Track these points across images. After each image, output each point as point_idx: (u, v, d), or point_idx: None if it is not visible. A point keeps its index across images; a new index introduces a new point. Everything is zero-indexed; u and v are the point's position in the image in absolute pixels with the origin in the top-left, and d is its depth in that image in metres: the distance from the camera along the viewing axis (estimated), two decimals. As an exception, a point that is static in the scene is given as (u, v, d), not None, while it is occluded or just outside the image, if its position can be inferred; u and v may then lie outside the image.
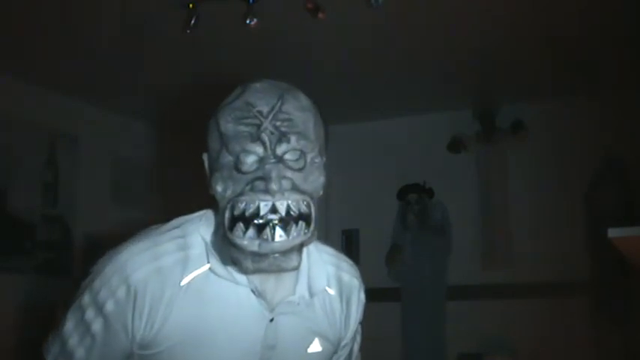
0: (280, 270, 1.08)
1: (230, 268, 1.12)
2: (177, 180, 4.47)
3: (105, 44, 3.59)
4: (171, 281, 1.11)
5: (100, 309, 1.11)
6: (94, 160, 4.41)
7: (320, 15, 3.02)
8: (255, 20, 2.99)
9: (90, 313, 1.12)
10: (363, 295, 1.31)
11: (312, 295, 1.19)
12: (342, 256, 1.32)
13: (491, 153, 4.67)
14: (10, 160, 3.92)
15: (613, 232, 1.64)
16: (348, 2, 3.12)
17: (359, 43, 3.67)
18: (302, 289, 1.19)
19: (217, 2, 3.02)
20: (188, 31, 3.08)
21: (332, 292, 1.25)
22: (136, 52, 3.70)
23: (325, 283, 1.23)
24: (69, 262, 4.16)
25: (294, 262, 1.08)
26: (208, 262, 1.13)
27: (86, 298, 1.12)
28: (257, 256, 1.05)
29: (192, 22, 3.05)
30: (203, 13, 3.06)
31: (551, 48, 3.74)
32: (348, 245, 4.92)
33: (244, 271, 1.08)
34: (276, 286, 1.16)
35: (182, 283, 1.11)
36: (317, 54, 3.76)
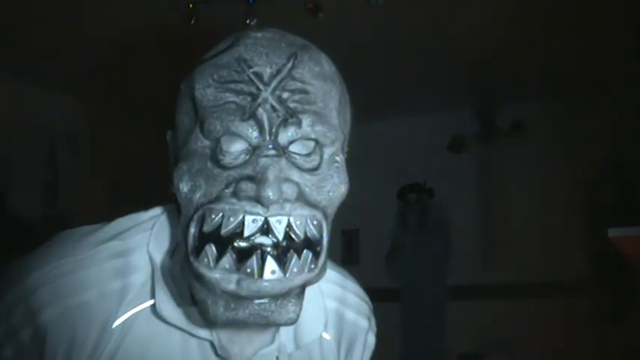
0: (268, 324, 0.71)
1: (184, 310, 0.77)
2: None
3: (105, 44, 3.59)
4: (98, 321, 0.75)
5: None
6: (94, 160, 4.41)
7: (320, 15, 3.02)
8: (255, 20, 2.99)
9: None
10: (371, 339, 0.96)
11: (298, 347, 0.83)
12: (350, 283, 0.94)
13: (491, 153, 4.67)
14: (10, 160, 3.92)
15: (613, 232, 1.64)
16: (348, 2, 3.12)
17: (359, 44, 3.67)
18: (285, 338, 0.83)
19: (217, 2, 3.02)
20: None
21: (328, 337, 0.89)
22: (137, 53, 3.70)
23: (321, 329, 0.86)
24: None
25: (290, 314, 0.70)
26: (153, 298, 0.77)
27: None
28: (234, 299, 0.69)
29: (192, 22, 3.05)
30: (203, 13, 3.06)
31: (552, 48, 3.74)
32: (348, 245, 4.92)
33: (211, 320, 0.70)
34: (251, 337, 0.81)
35: (114, 325, 0.75)
36: (317, 54, 3.76)
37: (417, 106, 4.65)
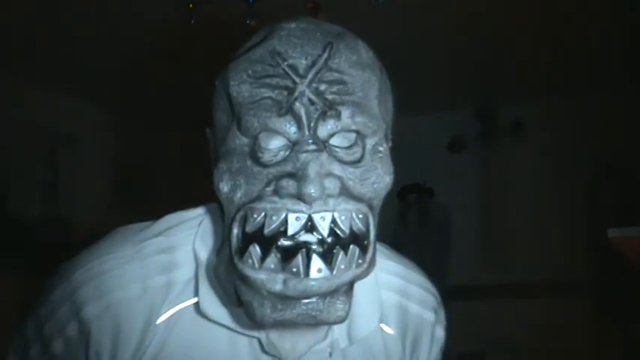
0: (317, 323, 0.69)
1: (229, 309, 0.76)
2: (179, 179, 4.46)
3: (105, 44, 3.59)
4: (142, 315, 0.75)
5: (45, 347, 0.78)
6: (94, 160, 4.41)
7: (320, 15, 3.02)
8: (255, 21, 2.98)
9: (36, 350, 0.80)
10: (439, 332, 0.92)
11: (352, 342, 0.81)
12: (413, 275, 0.93)
13: (491, 153, 4.67)
14: (10, 160, 3.92)
15: (613, 232, 1.64)
16: (349, 2, 3.12)
17: (359, 43, 3.67)
18: (338, 332, 0.80)
19: (217, 2, 3.02)
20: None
21: (391, 330, 0.86)
22: (137, 53, 3.70)
23: (376, 322, 0.83)
24: (69, 262, 4.15)
25: (339, 312, 0.68)
26: (197, 295, 0.76)
27: (30, 329, 0.81)
28: (281, 299, 0.67)
29: (192, 22, 3.05)
30: (203, 13, 3.05)
31: (551, 48, 3.74)
32: (348, 245, 4.93)
33: (258, 322, 0.68)
34: (304, 333, 0.77)
35: (158, 321, 0.75)
36: (317, 54, 3.75)
37: (417, 106, 4.65)
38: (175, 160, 4.62)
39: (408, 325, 0.88)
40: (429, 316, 0.91)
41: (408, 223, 4.58)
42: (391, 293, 0.87)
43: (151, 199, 4.57)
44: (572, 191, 4.37)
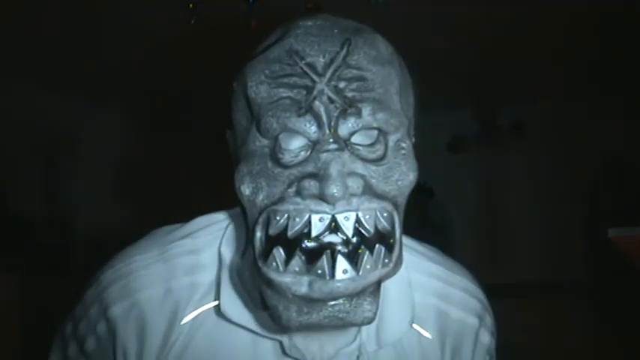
0: (344, 325, 0.67)
1: (251, 311, 0.75)
2: (178, 179, 4.46)
3: (105, 44, 3.59)
4: (167, 315, 0.75)
5: (81, 345, 0.80)
6: (94, 160, 4.41)
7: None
8: (255, 21, 2.98)
9: (73, 349, 0.82)
10: (484, 337, 0.90)
11: (380, 345, 0.78)
12: (457, 278, 0.88)
13: (491, 153, 4.67)
14: (10, 160, 3.92)
15: (613, 232, 1.64)
16: (349, 2, 3.12)
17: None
18: (367, 335, 0.77)
19: (217, 2, 3.02)
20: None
21: (429, 335, 0.83)
22: (136, 53, 3.70)
23: (407, 325, 0.80)
24: (69, 262, 4.16)
25: (366, 313, 0.66)
26: (218, 298, 0.76)
27: (69, 328, 0.83)
28: (306, 302, 0.65)
29: (192, 22, 3.05)
30: (203, 13, 3.05)
31: (551, 48, 3.74)
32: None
33: (285, 325, 0.67)
34: (332, 335, 0.76)
35: (183, 322, 0.75)
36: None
37: (417, 106, 4.65)
38: (176, 160, 4.62)
39: (448, 329, 0.85)
40: (473, 321, 0.88)
41: (408, 223, 4.58)
42: (428, 296, 0.84)
43: (151, 200, 4.57)
44: (572, 191, 4.37)
